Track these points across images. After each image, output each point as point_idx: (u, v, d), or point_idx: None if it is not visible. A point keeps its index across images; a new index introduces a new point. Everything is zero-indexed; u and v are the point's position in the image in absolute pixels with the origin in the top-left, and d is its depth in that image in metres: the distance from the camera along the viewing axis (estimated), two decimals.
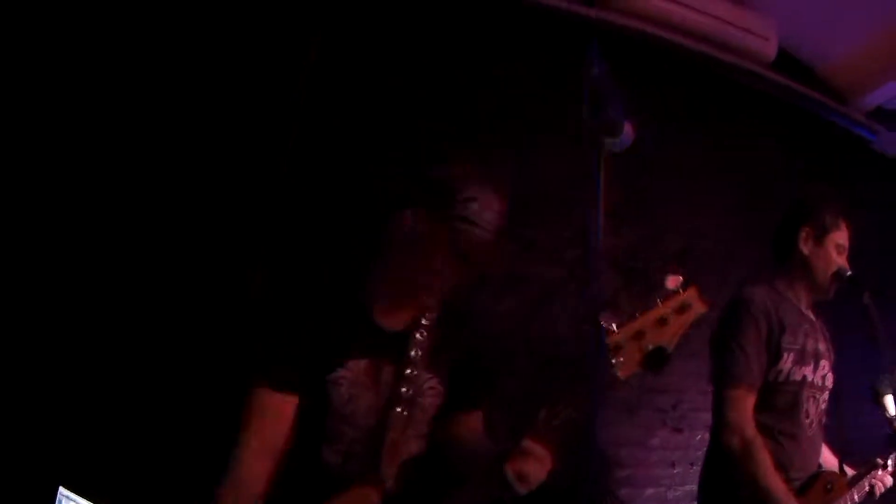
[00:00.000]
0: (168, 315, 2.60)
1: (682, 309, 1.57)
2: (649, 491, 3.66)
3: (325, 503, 1.63)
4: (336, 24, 3.00)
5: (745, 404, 2.31)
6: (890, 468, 2.51)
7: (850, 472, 2.52)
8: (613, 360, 1.54)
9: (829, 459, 2.59)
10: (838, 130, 4.40)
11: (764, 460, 2.25)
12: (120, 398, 2.50)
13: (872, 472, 2.47)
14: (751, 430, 2.27)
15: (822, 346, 2.50)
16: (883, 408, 3.25)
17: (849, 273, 2.42)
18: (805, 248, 2.47)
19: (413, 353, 1.78)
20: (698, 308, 1.57)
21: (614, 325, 1.57)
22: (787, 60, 4.20)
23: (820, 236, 2.45)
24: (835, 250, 2.44)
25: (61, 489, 2.13)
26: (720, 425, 2.33)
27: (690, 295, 1.58)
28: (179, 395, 2.52)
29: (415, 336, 1.79)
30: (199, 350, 2.57)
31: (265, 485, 1.65)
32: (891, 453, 2.55)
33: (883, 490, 2.48)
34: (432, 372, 1.82)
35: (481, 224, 1.69)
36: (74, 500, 2.29)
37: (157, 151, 2.68)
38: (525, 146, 3.44)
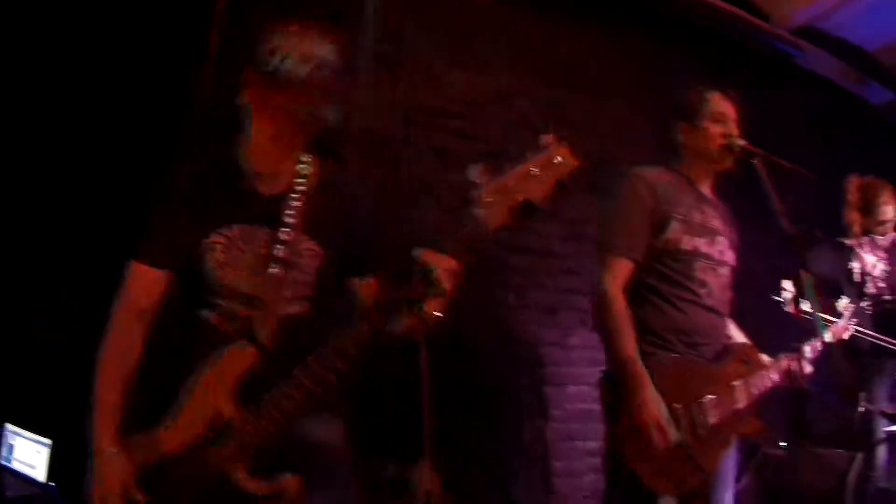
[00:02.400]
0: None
1: (552, 165, 1.60)
2: (571, 389, 3.84)
3: (203, 365, 1.69)
4: None
5: (618, 269, 2.41)
6: (809, 354, 2.63)
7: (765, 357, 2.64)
8: (483, 212, 1.61)
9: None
10: (763, 48, 4.50)
11: (618, 319, 2.34)
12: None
13: (792, 355, 2.57)
14: (615, 291, 2.37)
15: (717, 223, 2.59)
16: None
17: (740, 143, 2.47)
18: (685, 139, 2.59)
19: (289, 215, 1.80)
20: (569, 163, 1.60)
21: (485, 181, 1.63)
22: None
23: (693, 121, 2.55)
24: (713, 123, 2.51)
25: (7, 426, 2.30)
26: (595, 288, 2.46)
27: (561, 152, 1.61)
28: None
29: (291, 200, 1.82)
30: None
31: (138, 350, 1.76)
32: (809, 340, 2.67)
33: (801, 374, 2.55)
34: (309, 235, 1.84)
35: (301, 79, 1.68)
36: (21, 435, 2.40)
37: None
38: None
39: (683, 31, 4.32)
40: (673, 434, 2.28)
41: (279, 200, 1.82)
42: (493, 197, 1.59)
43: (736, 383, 2.44)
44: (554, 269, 3.81)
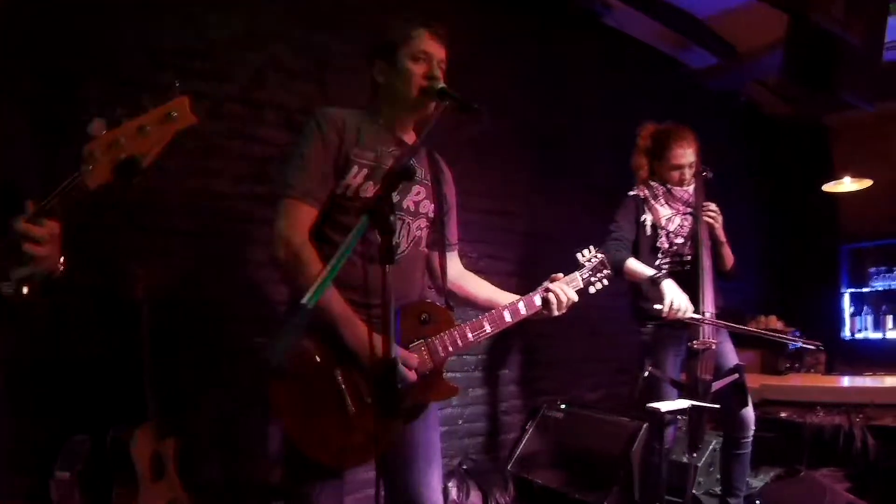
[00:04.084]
0: None
1: (167, 119, 1.54)
2: None
3: None
4: None
5: (297, 215, 2.11)
6: (521, 311, 2.32)
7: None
8: (84, 169, 1.49)
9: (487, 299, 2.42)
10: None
11: (314, 274, 2.00)
12: None
13: (489, 315, 2.28)
14: (299, 239, 2.07)
15: (417, 173, 2.30)
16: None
17: (440, 86, 2.17)
18: (381, 78, 2.28)
19: None
20: (186, 119, 1.55)
21: (102, 132, 1.52)
22: None
23: (391, 59, 2.25)
24: (412, 62, 2.21)
25: None
26: (271, 237, 2.14)
27: (179, 105, 1.55)
28: None
29: None
30: None
31: None
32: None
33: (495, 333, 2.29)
34: None
35: None
36: None
37: None
38: None
39: None
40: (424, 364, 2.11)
41: None
42: (100, 152, 1.51)
43: (414, 346, 2.13)
44: None
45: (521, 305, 2.30)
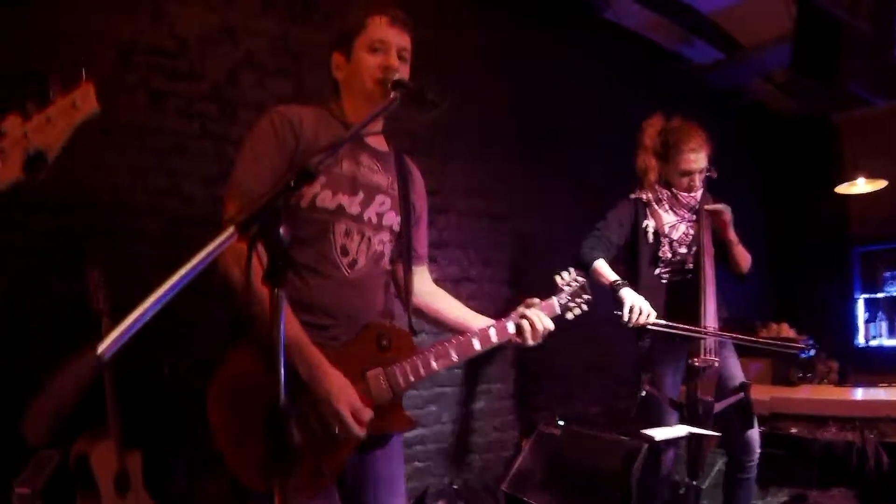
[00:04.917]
0: None
1: (71, 108, 1.45)
2: None
3: None
4: None
5: None
6: (492, 338, 2.09)
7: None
8: None
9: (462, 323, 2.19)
10: None
11: (262, 290, 1.80)
12: None
13: (456, 340, 2.06)
14: (241, 249, 1.81)
15: (381, 180, 2.07)
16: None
17: (395, 77, 1.95)
18: (339, 74, 2.07)
19: None
20: (88, 106, 1.46)
21: (7, 130, 1.42)
22: None
23: (348, 51, 2.04)
24: (368, 53, 2.00)
25: None
26: None
27: (83, 92, 1.46)
28: None
29: None
30: None
31: None
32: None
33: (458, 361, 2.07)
34: None
35: None
36: None
37: None
38: None
39: None
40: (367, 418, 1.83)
41: None
42: (9, 147, 1.40)
43: (372, 373, 1.92)
44: None
45: (491, 332, 2.08)
